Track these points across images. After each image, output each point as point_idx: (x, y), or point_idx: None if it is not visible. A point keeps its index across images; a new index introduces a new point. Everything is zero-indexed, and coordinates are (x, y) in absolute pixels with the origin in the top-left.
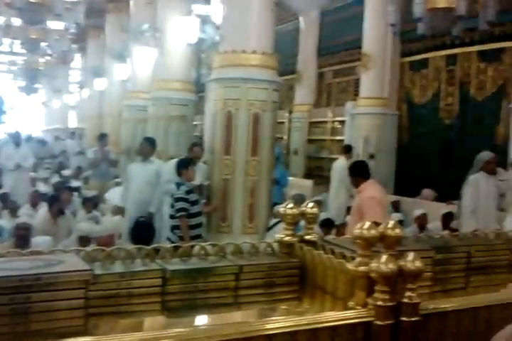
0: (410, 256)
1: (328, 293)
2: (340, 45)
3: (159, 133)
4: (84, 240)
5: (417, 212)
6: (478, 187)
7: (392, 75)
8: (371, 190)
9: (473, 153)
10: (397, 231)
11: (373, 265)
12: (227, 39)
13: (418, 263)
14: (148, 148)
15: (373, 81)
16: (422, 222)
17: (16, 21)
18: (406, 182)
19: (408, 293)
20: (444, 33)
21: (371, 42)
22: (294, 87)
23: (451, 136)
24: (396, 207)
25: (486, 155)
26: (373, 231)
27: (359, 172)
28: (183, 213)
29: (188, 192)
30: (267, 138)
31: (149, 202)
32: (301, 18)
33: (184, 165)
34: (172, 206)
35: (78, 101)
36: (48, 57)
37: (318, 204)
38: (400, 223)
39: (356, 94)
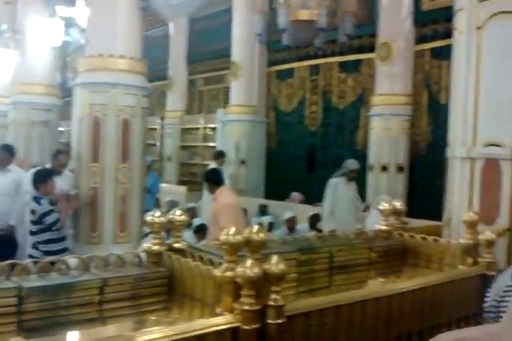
0: (274, 259)
1: (197, 300)
2: (209, 52)
3: (20, 140)
4: None
5: (287, 215)
6: (337, 190)
7: (260, 84)
8: (225, 196)
9: (336, 158)
10: (262, 235)
11: (239, 270)
12: (93, 42)
13: (282, 266)
14: (5, 156)
15: (242, 89)
16: (291, 224)
17: None
18: (275, 187)
19: (273, 296)
20: (307, 44)
21: (239, 51)
22: (166, 93)
23: (315, 142)
24: (263, 210)
25: (352, 164)
26: (238, 237)
27: (212, 180)
28: (59, 225)
29: (51, 203)
30: (138, 145)
31: (8, 214)
32: (170, 25)
33: (41, 180)
34: (35, 222)
35: None
36: None
37: (192, 210)
38: (271, 225)
39: (227, 101)
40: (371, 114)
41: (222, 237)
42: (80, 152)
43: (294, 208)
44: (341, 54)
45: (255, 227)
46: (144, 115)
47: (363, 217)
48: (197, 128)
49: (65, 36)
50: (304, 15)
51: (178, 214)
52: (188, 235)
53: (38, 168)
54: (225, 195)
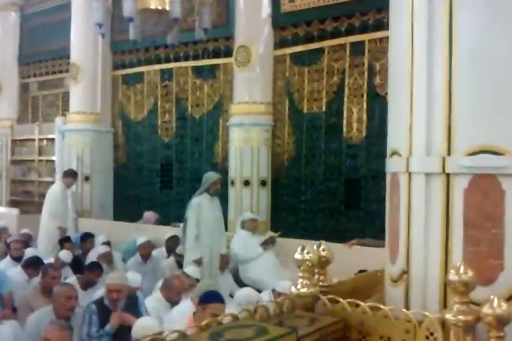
0: None
1: None
2: (45, 53)
3: None
4: None
5: (140, 241)
6: (201, 211)
7: (104, 89)
8: None
9: (194, 172)
10: None
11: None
12: None
13: None
14: None
15: (84, 94)
16: (145, 250)
17: None
18: (126, 206)
19: None
20: (157, 46)
21: (79, 51)
22: None
23: (170, 154)
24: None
25: (213, 175)
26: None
27: None
28: None
29: None
30: None
31: None
32: None
33: None
34: None
35: None
36: None
37: (26, 238)
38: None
39: (66, 108)
40: (230, 123)
41: None
42: None
43: (148, 230)
44: (196, 58)
45: None
46: None
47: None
48: (32, 140)
49: None
50: (154, 2)
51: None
52: (15, 271)
53: None
54: None
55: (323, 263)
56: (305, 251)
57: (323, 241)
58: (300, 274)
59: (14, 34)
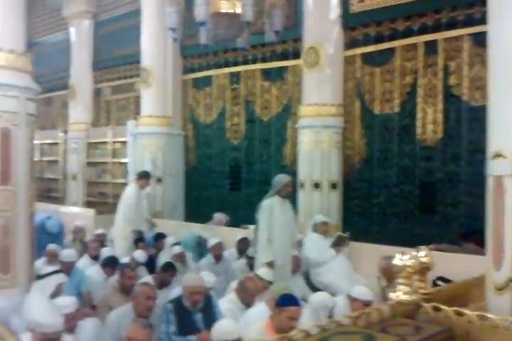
0: None
1: None
2: (117, 58)
3: None
4: None
5: (212, 242)
6: (272, 213)
7: (175, 92)
8: None
9: (262, 174)
10: None
11: None
12: None
13: None
14: None
15: (155, 98)
16: (217, 251)
17: None
18: (196, 207)
19: None
20: (226, 49)
21: (150, 56)
22: (67, 104)
23: (239, 157)
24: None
25: (284, 178)
26: None
27: None
28: None
29: None
30: (23, 161)
31: None
32: (72, 28)
33: None
34: None
35: None
36: None
37: (101, 238)
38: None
39: (138, 112)
40: (299, 126)
41: None
42: None
43: (218, 231)
44: (264, 60)
45: None
46: (30, 123)
47: (299, 241)
48: (105, 143)
49: None
50: (226, 6)
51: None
52: (94, 270)
53: None
54: None
55: (423, 269)
56: (405, 257)
57: (422, 247)
58: (400, 281)
59: (88, 41)
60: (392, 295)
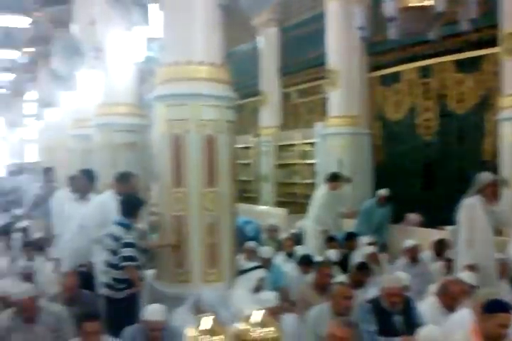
0: None
1: None
2: (303, 62)
3: (105, 164)
4: (4, 301)
5: (408, 243)
6: (474, 214)
7: (362, 91)
8: None
9: (459, 171)
10: None
11: None
12: (169, 49)
13: None
14: (85, 182)
15: (342, 98)
16: (413, 253)
17: None
18: None
19: None
20: (414, 43)
21: (337, 57)
22: (258, 109)
23: (431, 154)
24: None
25: (486, 177)
26: None
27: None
28: (130, 263)
29: (140, 237)
30: (225, 165)
31: (89, 249)
32: (259, 37)
33: (137, 206)
34: (114, 252)
35: (37, 133)
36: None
37: (295, 237)
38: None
39: (324, 113)
40: (500, 118)
41: None
42: (161, 175)
43: (412, 232)
44: (457, 51)
45: None
46: (230, 130)
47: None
48: (293, 145)
49: (148, 51)
50: (416, 0)
51: None
52: (290, 267)
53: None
54: None
55: None
56: None
57: None
58: None
59: (275, 48)
60: None
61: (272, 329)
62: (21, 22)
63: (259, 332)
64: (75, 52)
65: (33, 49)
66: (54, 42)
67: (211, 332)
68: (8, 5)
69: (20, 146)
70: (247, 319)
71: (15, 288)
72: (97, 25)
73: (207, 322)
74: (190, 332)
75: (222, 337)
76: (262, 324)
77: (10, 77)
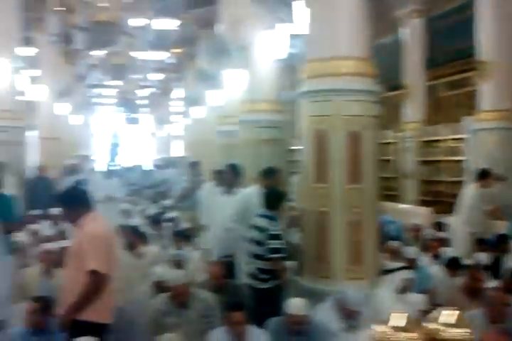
0: None
1: None
2: (451, 53)
3: (248, 159)
4: (159, 286)
5: None
6: None
7: None
8: (93, 225)
9: None
10: None
11: None
12: (314, 45)
13: None
14: (231, 176)
15: (495, 91)
16: None
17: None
18: None
19: None
20: None
21: (489, 48)
22: (399, 104)
23: None
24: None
25: None
26: None
27: (74, 203)
28: (278, 255)
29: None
30: (370, 162)
31: (236, 240)
32: (402, 29)
33: (280, 199)
34: (259, 243)
35: (184, 129)
36: (150, 89)
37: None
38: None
39: (473, 107)
40: None
41: None
42: (304, 171)
43: None
44: None
45: None
46: (375, 126)
47: None
48: (439, 141)
49: (290, 48)
50: None
51: None
52: (436, 268)
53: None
54: (93, 223)
55: None
56: None
57: None
58: None
59: (420, 39)
60: None
61: (467, 330)
62: (170, 24)
63: (451, 332)
64: (220, 52)
65: (180, 50)
66: (200, 43)
67: (403, 329)
68: (159, 9)
69: (167, 142)
70: (435, 319)
71: (169, 275)
72: (241, 24)
73: (399, 318)
74: (378, 327)
75: (414, 334)
76: (455, 325)
77: (159, 76)
